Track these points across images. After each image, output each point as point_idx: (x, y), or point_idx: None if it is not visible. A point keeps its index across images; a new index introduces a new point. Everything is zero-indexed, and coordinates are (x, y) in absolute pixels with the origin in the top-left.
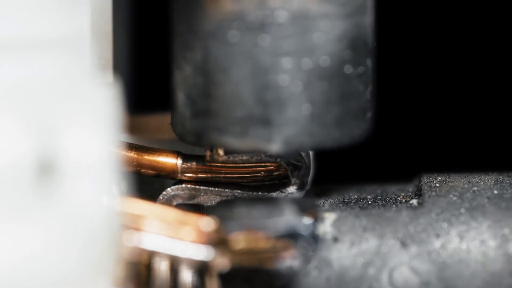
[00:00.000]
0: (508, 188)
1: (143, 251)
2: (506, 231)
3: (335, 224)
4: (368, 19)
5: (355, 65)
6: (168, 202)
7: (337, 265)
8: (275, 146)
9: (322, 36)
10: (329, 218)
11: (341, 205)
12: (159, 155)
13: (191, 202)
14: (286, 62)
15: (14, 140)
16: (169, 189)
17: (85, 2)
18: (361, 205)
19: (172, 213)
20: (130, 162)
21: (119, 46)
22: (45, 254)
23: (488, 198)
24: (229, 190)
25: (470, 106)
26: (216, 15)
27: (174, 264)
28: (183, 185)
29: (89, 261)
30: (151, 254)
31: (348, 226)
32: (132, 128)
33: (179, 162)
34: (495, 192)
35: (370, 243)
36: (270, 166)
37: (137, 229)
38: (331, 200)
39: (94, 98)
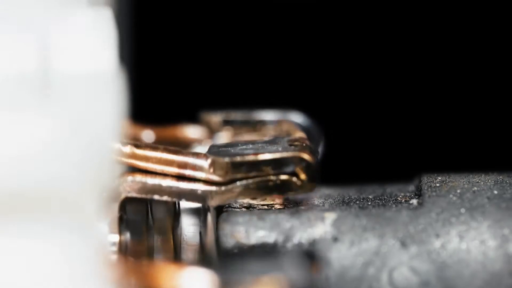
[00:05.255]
0: (508, 188)
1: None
2: (506, 231)
3: (335, 223)
4: None
5: None
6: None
7: (336, 265)
8: None
9: None
10: (329, 217)
11: (341, 205)
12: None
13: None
14: None
15: (18, 51)
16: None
17: None
18: (361, 205)
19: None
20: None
21: (121, 49)
22: (50, 144)
23: (488, 198)
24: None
25: (470, 106)
26: None
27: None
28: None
29: (88, 166)
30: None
31: (348, 226)
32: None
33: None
34: (495, 192)
35: (370, 243)
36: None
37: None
38: (331, 200)
39: (91, 18)
